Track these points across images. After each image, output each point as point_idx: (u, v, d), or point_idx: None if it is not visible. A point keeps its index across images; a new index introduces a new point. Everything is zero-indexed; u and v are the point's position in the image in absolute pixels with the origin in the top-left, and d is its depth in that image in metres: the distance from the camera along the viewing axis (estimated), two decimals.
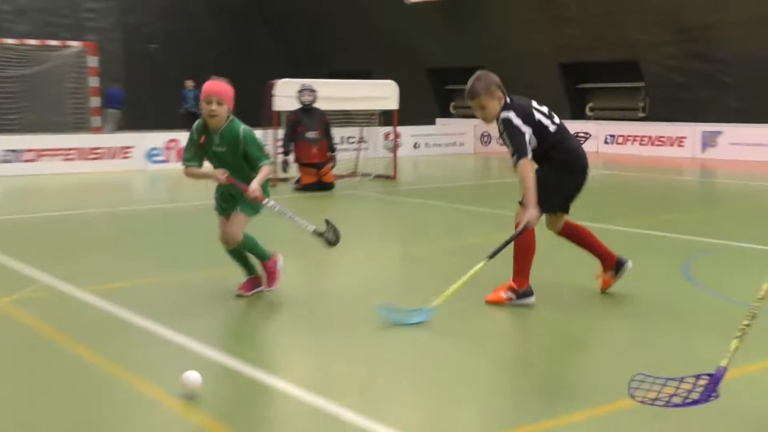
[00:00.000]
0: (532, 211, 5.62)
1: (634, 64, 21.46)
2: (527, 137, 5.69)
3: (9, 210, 11.71)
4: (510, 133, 5.68)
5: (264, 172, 5.80)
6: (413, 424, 3.86)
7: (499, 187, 11.42)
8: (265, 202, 5.82)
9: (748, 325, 3.63)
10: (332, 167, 13.45)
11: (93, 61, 22.36)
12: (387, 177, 15.11)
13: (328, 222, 6.15)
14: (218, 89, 5.72)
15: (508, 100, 5.76)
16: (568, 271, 6.96)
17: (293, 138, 13.13)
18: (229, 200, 5.93)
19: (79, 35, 26.89)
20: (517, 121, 5.67)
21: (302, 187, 13.06)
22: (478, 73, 5.86)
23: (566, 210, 6.13)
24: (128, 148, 16.71)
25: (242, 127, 5.80)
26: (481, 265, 5.73)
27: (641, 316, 5.71)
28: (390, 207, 12.10)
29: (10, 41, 23.43)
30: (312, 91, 13.33)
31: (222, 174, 5.76)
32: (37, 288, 6.39)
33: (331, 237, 6.10)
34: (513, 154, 5.69)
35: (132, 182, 15.06)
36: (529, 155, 5.68)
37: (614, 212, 10.38)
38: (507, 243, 5.82)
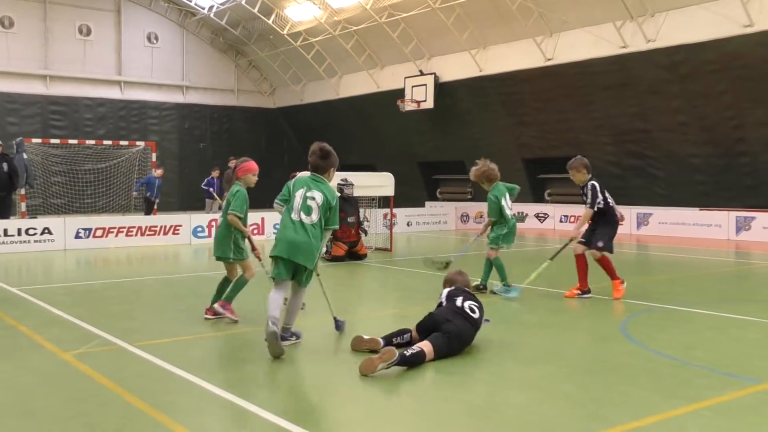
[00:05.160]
0: (574, 233, 8.67)
1: None
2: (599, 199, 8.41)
3: (78, 277, 11.66)
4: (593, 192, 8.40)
5: None
6: None
7: (474, 257, 11.36)
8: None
9: None
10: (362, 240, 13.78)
11: (154, 157, 22.61)
12: (385, 249, 15.07)
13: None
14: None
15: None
16: (530, 330, 6.88)
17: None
18: None
19: (144, 136, 27.30)
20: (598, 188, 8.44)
21: (330, 258, 13.03)
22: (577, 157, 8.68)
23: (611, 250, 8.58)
24: (178, 226, 16.72)
25: None
26: (545, 264, 8.76)
27: (584, 365, 5.61)
28: (386, 274, 12.00)
29: (90, 142, 23.77)
30: (351, 185, 13.50)
31: None
32: (97, 343, 6.31)
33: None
34: (587, 204, 8.40)
35: (180, 254, 15.02)
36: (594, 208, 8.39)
37: (567, 281, 10.27)
38: (561, 249, 8.79)
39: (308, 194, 5.75)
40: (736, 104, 17.36)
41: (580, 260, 8.65)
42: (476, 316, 5.99)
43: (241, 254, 7.08)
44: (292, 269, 5.77)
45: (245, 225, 7.03)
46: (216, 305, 7.20)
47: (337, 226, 6.00)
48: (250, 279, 7.20)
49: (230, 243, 7.01)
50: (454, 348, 5.72)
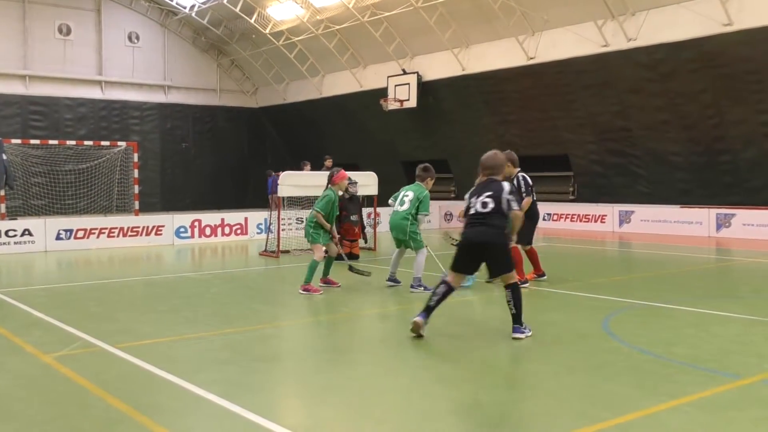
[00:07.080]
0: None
1: (564, 157, 21.75)
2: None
3: (59, 279, 11.55)
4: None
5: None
6: None
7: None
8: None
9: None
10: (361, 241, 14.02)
11: (136, 157, 22.41)
12: (369, 249, 15.05)
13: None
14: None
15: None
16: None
17: (340, 220, 12.49)
18: None
19: (126, 136, 27.06)
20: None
21: (336, 257, 12.88)
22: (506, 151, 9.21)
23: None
24: (161, 226, 16.60)
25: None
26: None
27: (567, 363, 5.63)
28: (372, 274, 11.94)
29: (71, 142, 23.52)
30: (355, 183, 13.33)
31: None
32: (78, 345, 6.26)
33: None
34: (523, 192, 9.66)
35: (162, 255, 14.91)
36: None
37: (551, 277, 10.32)
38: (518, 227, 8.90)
39: (404, 192, 9.04)
40: (716, 103, 17.52)
41: (528, 253, 9.95)
42: (488, 209, 6.45)
43: (315, 239, 9.07)
44: (396, 241, 9.17)
45: (330, 223, 9.15)
46: (323, 283, 9.45)
47: (427, 212, 8.97)
48: (319, 261, 9.12)
49: (310, 230, 9.11)
50: (466, 258, 6.58)
